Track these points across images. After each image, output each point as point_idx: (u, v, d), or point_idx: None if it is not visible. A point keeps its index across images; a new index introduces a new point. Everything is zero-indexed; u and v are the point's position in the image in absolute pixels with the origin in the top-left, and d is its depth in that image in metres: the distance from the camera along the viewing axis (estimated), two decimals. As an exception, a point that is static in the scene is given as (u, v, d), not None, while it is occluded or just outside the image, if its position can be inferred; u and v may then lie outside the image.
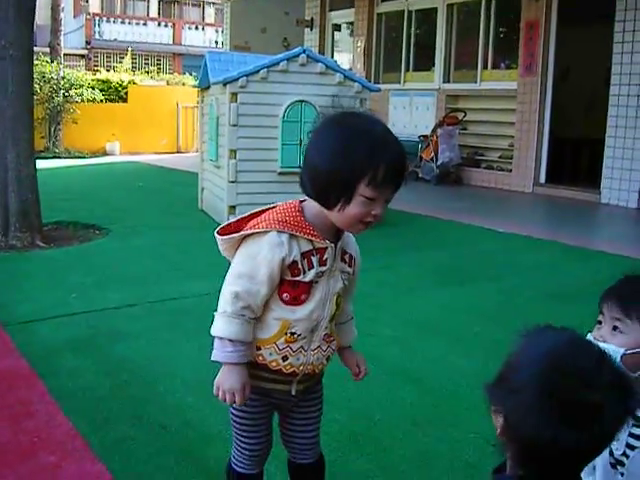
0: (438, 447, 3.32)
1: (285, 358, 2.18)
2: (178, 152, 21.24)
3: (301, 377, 2.25)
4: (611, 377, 1.52)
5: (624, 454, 2.26)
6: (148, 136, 20.78)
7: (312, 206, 2.14)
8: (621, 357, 2.16)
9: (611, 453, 2.32)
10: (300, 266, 2.11)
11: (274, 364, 2.19)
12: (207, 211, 9.54)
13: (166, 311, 5.25)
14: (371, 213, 2.07)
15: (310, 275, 2.13)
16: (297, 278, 2.12)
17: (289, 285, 2.13)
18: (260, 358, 2.18)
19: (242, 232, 2.15)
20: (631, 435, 2.24)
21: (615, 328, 2.23)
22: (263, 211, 2.19)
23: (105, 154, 19.65)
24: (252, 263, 2.11)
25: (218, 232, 2.20)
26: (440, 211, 10.15)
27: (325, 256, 2.15)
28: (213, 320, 2.14)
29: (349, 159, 2.02)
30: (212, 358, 2.16)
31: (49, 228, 8.10)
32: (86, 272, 6.35)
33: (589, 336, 2.29)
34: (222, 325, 2.12)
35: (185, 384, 3.92)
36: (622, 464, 2.28)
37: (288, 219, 2.11)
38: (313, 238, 2.12)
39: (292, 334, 2.16)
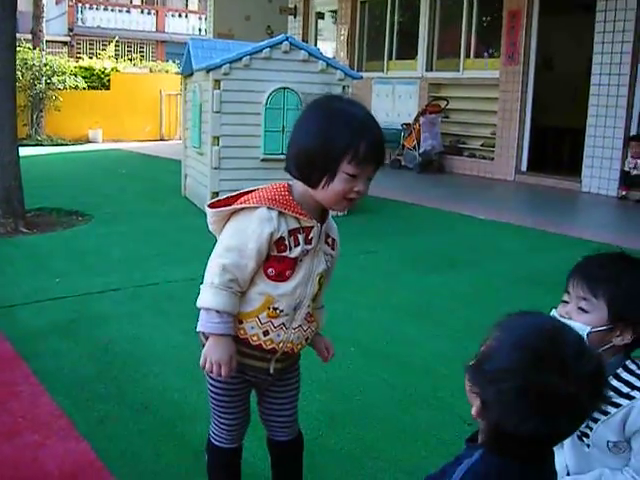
0: (416, 426, 3.38)
1: (266, 333, 2.23)
2: (161, 140, 21.19)
3: (280, 355, 2.29)
4: (589, 369, 1.56)
5: (587, 426, 2.33)
6: (131, 123, 20.73)
7: (299, 186, 2.22)
8: (587, 335, 2.22)
9: None
10: (287, 242, 2.18)
11: (255, 338, 2.23)
12: (190, 198, 9.57)
13: (149, 295, 5.29)
14: (354, 189, 2.15)
15: (296, 252, 2.19)
16: (283, 254, 2.18)
17: (275, 260, 2.19)
18: (241, 332, 2.23)
19: (234, 206, 2.21)
20: None
21: (581, 307, 2.30)
22: (252, 190, 2.26)
23: (88, 141, 19.59)
24: (241, 237, 2.17)
25: (209, 205, 2.27)
26: (422, 198, 10.21)
27: (311, 235, 2.23)
28: (199, 294, 2.19)
29: (332, 138, 2.11)
30: (198, 329, 2.20)
31: (32, 214, 8.11)
32: (70, 257, 6.38)
33: (553, 312, 2.37)
34: (209, 296, 2.16)
35: (168, 365, 3.98)
36: (587, 436, 2.36)
37: (277, 197, 2.19)
38: (300, 216, 2.20)
39: (275, 309, 2.21)
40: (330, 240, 2.34)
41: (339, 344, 4.21)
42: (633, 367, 2.31)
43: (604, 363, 1.67)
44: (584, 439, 2.38)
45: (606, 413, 2.28)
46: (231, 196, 2.27)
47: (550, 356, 1.55)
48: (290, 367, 2.43)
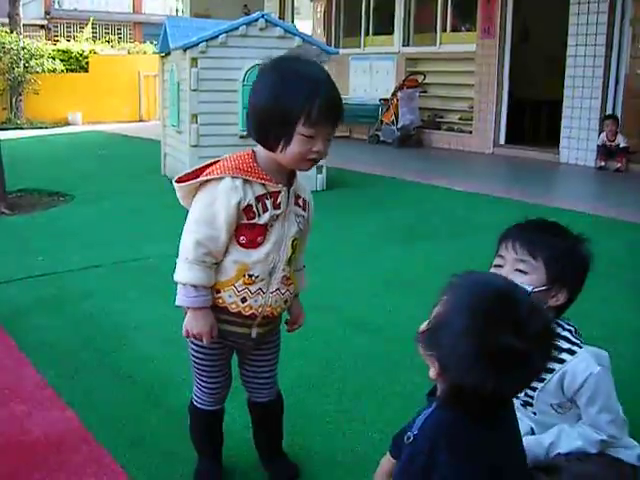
0: (393, 389, 3.47)
1: (244, 300, 2.29)
2: (140, 121, 21.11)
3: (260, 320, 2.36)
4: (540, 326, 1.63)
5: (527, 395, 2.40)
6: (110, 105, 20.63)
7: (262, 151, 2.27)
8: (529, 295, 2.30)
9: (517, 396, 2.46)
10: (255, 209, 2.23)
11: (234, 306, 2.29)
12: (170, 176, 9.54)
13: (130, 271, 5.36)
14: (312, 150, 2.20)
15: (265, 218, 2.24)
16: (253, 221, 2.23)
17: (246, 228, 2.24)
18: (220, 301, 2.29)
19: (197, 179, 2.26)
20: None
21: (519, 269, 2.35)
22: (218, 161, 2.30)
23: (67, 124, 19.50)
24: (210, 210, 2.22)
25: (176, 180, 2.32)
26: (401, 172, 10.25)
27: (279, 200, 2.28)
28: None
29: (285, 100, 2.15)
30: (177, 303, 2.28)
31: (13, 196, 8.13)
32: (52, 236, 6.43)
33: None
34: (185, 272, 2.23)
35: (150, 337, 4.06)
36: (531, 405, 2.42)
37: (241, 165, 2.24)
38: (266, 182, 2.24)
39: (250, 276, 2.27)
40: (301, 201, 2.38)
41: (318, 313, 4.33)
42: (558, 330, 2.34)
43: (552, 320, 1.74)
44: (528, 407, 2.44)
45: (542, 380, 2.33)
46: (198, 168, 2.31)
47: (504, 316, 1.60)
48: (271, 331, 2.49)
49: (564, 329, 2.37)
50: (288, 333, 2.62)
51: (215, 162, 2.30)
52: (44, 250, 5.89)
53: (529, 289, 2.23)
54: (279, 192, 2.28)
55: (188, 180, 2.29)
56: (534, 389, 2.37)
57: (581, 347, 2.33)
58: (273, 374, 2.60)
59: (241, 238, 2.26)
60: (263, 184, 2.25)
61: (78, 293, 4.85)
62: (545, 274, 2.32)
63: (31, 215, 7.46)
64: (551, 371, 2.32)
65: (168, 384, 3.49)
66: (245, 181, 2.23)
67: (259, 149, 2.29)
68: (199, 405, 2.55)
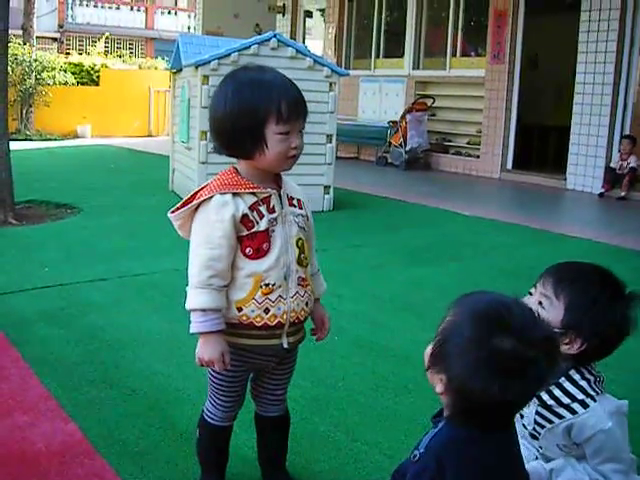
0: (397, 410, 3.46)
1: (267, 310, 2.29)
2: (149, 136, 21.23)
3: (289, 328, 2.36)
4: (543, 333, 1.67)
5: (535, 430, 2.39)
6: (120, 119, 20.76)
7: (242, 163, 2.32)
8: None
9: (525, 427, 2.44)
10: (251, 218, 2.25)
11: (258, 319, 2.29)
12: (178, 192, 9.62)
13: (136, 285, 5.36)
14: (291, 146, 2.25)
15: (263, 224, 2.27)
16: (253, 230, 2.25)
17: (248, 239, 2.26)
18: (244, 318, 2.29)
19: (189, 205, 2.29)
20: (538, 414, 2.36)
21: (540, 303, 2.32)
22: (205, 186, 2.33)
23: (76, 137, 19.60)
24: (206, 230, 2.25)
25: (170, 212, 2.35)
26: (408, 195, 10.29)
27: (272, 203, 2.31)
28: (185, 294, 2.26)
29: (251, 105, 2.21)
30: (190, 331, 2.27)
31: (21, 207, 8.16)
32: (58, 248, 6.45)
33: None
34: (192, 297, 2.24)
35: (154, 351, 4.06)
36: (536, 438, 2.41)
37: (226, 181, 2.28)
38: (255, 190, 2.28)
39: (266, 285, 2.28)
40: (295, 201, 2.40)
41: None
42: (576, 377, 2.32)
43: (556, 333, 1.76)
44: (534, 441, 2.44)
45: (550, 421, 2.33)
46: (187, 197, 2.34)
47: (508, 324, 1.64)
48: (301, 341, 2.49)
49: (583, 377, 2.32)
50: (318, 342, 2.62)
51: (202, 187, 2.33)
52: (50, 262, 5.90)
53: None
54: (270, 196, 2.31)
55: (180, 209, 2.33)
56: (542, 426, 2.36)
57: (596, 400, 2.27)
58: (286, 390, 2.62)
59: (247, 250, 2.27)
60: (252, 192, 2.28)
61: (83, 305, 4.85)
62: (562, 317, 2.27)
63: (38, 226, 7.48)
64: (560, 417, 2.30)
65: (171, 398, 3.49)
66: (234, 194, 2.26)
67: (239, 162, 2.33)
68: (210, 420, 2.54)
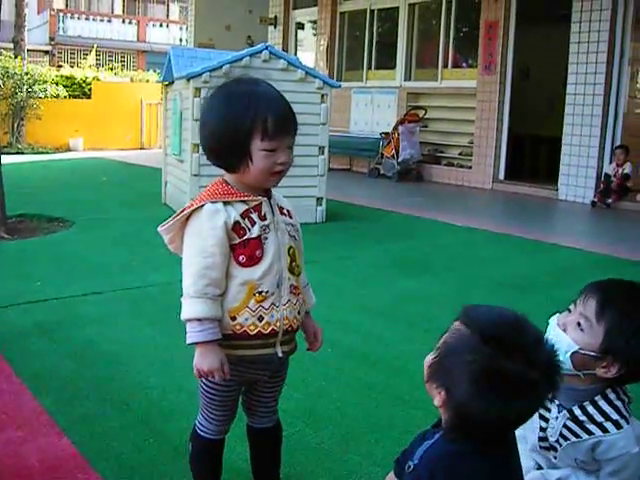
0: (392, 422, 3.47)
1: (260, 318, 2.29)
2: (142, 148, 21.21)
3: (282, 337, 2.36)
4: (546, 356, 1.67)
5: (557, 442, 2.37)
6: (112, 132, 20.74)
7: (230, 176, 2.33)
8: (573, 353, 2.23)
9: (544, 439, 2.42)
10: (243, 225, 2.26)
11: (252, 327, 2.29)
12: (170, 205, 9.62)
13: (130, 299, 5.35)
14: (277, 163, 2.24)
15: (255, 230, 2.27)
16: (245, 237, 2.26)
17: (241, 247, 2.26)
18: (237, 327, 2.28)
19: (178, 216, 2.29)
20: (565, 427, 2.34)
21: (579, 324, 2.26)
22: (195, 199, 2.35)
23: (68, 150, 19.58)
24: (198, 239, 2.25)
25: (160, 227, 2.36)
26: (400, 206, 10.29)
27: (263, 211, 2.31)
28: (179, 307, 2.25)
29: (236, 120, 2.21)
30: (187, 342, 2.25)
31: (13, 221, 8.14)
32: (51, 262, 6.44)
33: (554, 317, 2.36)
34: (187, 307, 2.23)
35: (148, 365, 4.05)
36: (555, 449, 2.39)
37: (217, 191, 2.29)
38: (245, 198, 2.28)
39: (260, 293, 2.28)
40: (285, 211, 2.42)
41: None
42: (612, 396, 2.29)
43: (557, 354, 1.75)
44: (551, 451, 2.41)
45: (577, 435, 2.31)
46: (177, 213, 2.34)
47: (513, 343, 1.64)
48: (294, 350, 2.49)
49: (618, 398, 2.30)
50: (312, 352, 2.61)
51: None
52: (43, 276, 5.89)
53: (575, 348, 2.20)
54: (261, 204, 2.32)
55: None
56: (566, 439, 2.34)
57: (628, 422, 2.26)
58: (277, 401, 2.62)
59: (240, 258, 2.27)
60: (243, 201, 2.29)
61: (76, 319, 4.84)
62: (601, 341, 2.22)
63: (31, 240, 7.46)
64: (589, 433, 2.28)
65: (165, 412, 3.48)
66: (225, 203, 2.26)
67: (226, 175, 2.34)
68: (204, 434, 2.53)
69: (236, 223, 2.25)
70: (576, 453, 2.33)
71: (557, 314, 2.39)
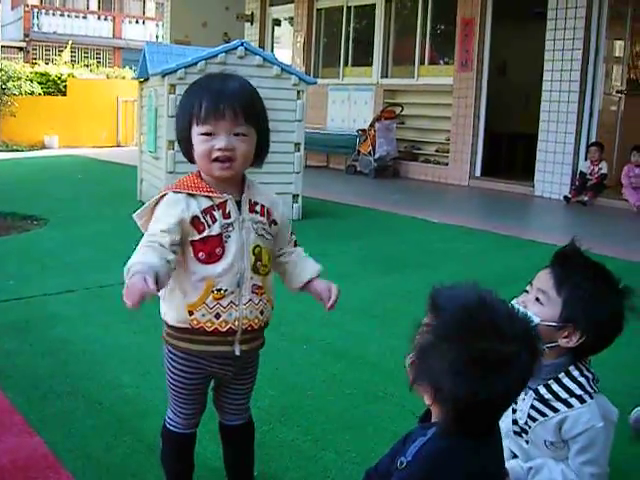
0: (367, 418, 3.46)
1: (218, 316, 2.28)
2: (118, 146, 21.09)
3: (242, 336, 2.34)
4: (521, 327, 1.68)
5: (526, 423, 2.42)
6: (87, 130, 20.60)
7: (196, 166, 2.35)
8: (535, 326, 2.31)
9: (515, 422, 2.47)
10: (203, 221, 2.25)
11: (209, 324, 2.28)
12: (146, 202, 9.53)
13: (104, 297, 5.30)
14: (215, 148, 2.24)
15: (216, 228, 2.26)
16: (204, 234, 2.25)
17: (200, 243, 2.25)
18: (195, 322, 2.28)
19: (147, 204, 2.33)
20: (532, 407, 2.39)
21: (537, 299, 2.37)
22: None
23: (44, 147, 19.45)
24: (154, 223, 2.26)
25: (135, 214, 2.38)
26: (377, 203, 10.31)
27: (227, 209, 2.30)
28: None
29: (182, 108, 2.30)
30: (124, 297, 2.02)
31: (-14, 219, 8.09)
32: (24, 260, 6.38)
33: (514, 300, 2.43)
34: (129, 262, 2.12)
35: (121, 363, 4.02)
36: (526, 432, 2.44)
37: (185, 183, 2.31)
38: (211, 194, 2.28)
39: (218, 290, 2.27)
40: (258, 207, 2.38)
41: (292, 342, 4.32)
42: (576, 373, 2.36)
43: (535, 326, 1.77)
44: (523, 435, 2.46)
45: (544, 415, 2.36)
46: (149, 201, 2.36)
47: (485, 322, 1.65)
48: (256, 349, 2.47)
49: (582, 374, 2.37)
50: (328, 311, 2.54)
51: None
52: (16, 274, 5.83)
53: (537, 320, 2.22)
54: (226, 201, 2.31)
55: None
56: (534, 420, 2.39)
57: (592, 397, 2.32)
58: (248, 399, 2.60)
59: (200, 254, 2.26)
60: (208, 196, 2.28)
61: (49, 318, 4.80)
62: (560, 311, 2.32)
63: (4, 238, 7.40)
64: (555, 410, 2.33)
65: (139, 411, 3.46)
66: (189, 195, 2.27)
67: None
68: (172, 428, 2.51)
69: (195, 217, 2.25)
70: (545, 434, 2.37)
71: (514, 299, 2.46)
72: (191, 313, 2.28)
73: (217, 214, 2.28)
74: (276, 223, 2.44)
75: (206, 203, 2.27)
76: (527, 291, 2.47)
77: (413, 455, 1.77)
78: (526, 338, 1.68)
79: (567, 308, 2.31)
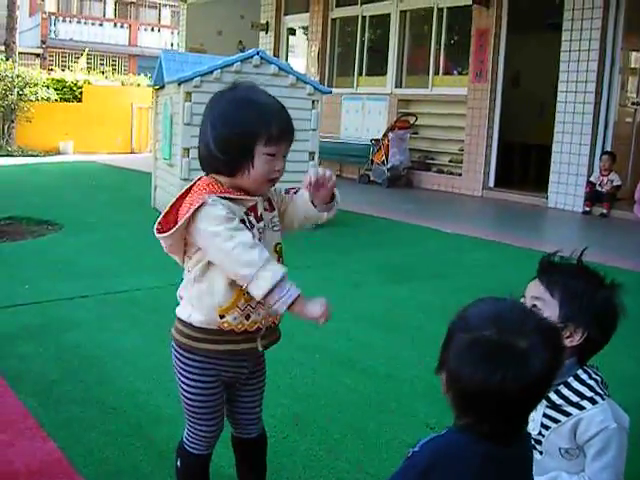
0: (379, 429, 3.45)
1: (248, 317, 2.27)
2: (132, 152, 21.16)
3: (264, 332, 2.34)
4: (535, 324, 1.67)
5: (540, 434, 2.40)
6: (102, 136, 20.66)
7: (222, 177, 2.27)
8: None
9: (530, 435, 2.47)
10: (247, 225, 2.23)
11: (240, 326, 2.27)
12: (160, 209, 9.57)
13: (117, 302, 5.32)
14: (275, 169, 2.25)
15: (255, 233, 2.24)
16: None
17: None
18: (225, 325, 2.26)
19: (184, 217, 2.19)
20: (545, 416, 2.38)
21: (535, 306, 2.34)
22: (181, 197, 2.29)
23: (58, 153, 19.52)
24: (218, 226, 2.15)
25: (158, 231, 2.26)
26: (390, 212, 10.32)
27: (259, 212, 2.30)
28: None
29: (243, 125, 2.22)
30: (283, 308, 2.13)
31: (2, 223, 8.15)
32: (39, 265, 6.41)
33: None
34: (263, 278, 2.10)
35: (135, 369, 4.03)
36: (540, 443, 2.42)
37: (213, 189, 2.23)
38: (242, 196, 2.26)
39: (249, 292, 2.21)
40: (266, 204, 2.38)
41: (304, 352, 4.32)
42: (584, 377, 2.36)
43: (557, 327, 1.78)
44: (537, 446, 2.43)
45: (557, 421, 2.35)
46: (167, 212, 2.28)
47: (500, 319, 1.67)
48: (274, 343, 2.44)
49: (591, 377, 2.37)
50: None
51: (179, 199, 2.29)
52: (31, 279, 5.86)
53: None
54: (256, 204, 2.30)
55: (168, 226, 2.25)
56: (547, 428, 2.39)
57: (604, 399, 2.32)
58: (259, 410, 2.58)
59: None
60: (241, 200, 2.26)
61: (64, 323, 4.82)
62: (558, 313, 2.33)
63: (19, 243, 7.44)
64: (568, 415, 2.33)
65: (152, 416, 3.47)
66: (224, 198, 2.22)
67: (216, 176, 2.29)
68: (192, 450, 2.47)
69: (241, 220, 2.22)
70: (559, 441, 2.36)
71: None
72: (222, 317, 2.26)
73: (252, 218, 2.27)
74: (280, 205, 2.45)
75: (241, 207, 2.26)
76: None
77: (421, 446, 1.76)
78: (543, 332, 1.67)
79: (564, 307, 2.33)
